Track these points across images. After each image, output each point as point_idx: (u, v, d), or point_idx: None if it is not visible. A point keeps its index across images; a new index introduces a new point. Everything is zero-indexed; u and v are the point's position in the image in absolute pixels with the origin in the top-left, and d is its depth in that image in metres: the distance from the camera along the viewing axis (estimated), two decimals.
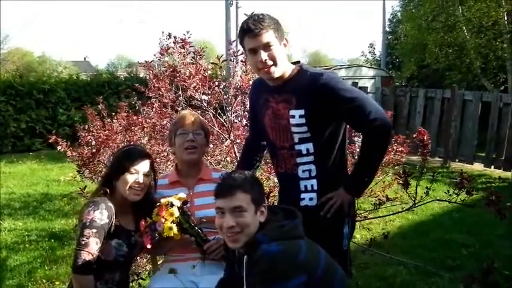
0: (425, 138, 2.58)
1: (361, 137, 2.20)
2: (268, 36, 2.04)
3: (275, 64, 2.08)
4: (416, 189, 2.76)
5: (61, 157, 9.65)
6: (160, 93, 4.40)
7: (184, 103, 4.38)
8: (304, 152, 2.17)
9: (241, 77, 3.11)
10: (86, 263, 2.06)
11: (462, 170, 3.43)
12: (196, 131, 2.43)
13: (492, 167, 8.53)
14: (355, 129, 2.22)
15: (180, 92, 4.02)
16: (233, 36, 11.82)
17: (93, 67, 45.48)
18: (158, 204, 2.19)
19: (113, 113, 4.91)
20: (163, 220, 2.15)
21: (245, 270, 1.80)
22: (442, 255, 4.35)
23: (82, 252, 2.05)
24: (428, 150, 2.72)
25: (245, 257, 1.81)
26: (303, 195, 2.19)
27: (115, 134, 3.25)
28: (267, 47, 2.05)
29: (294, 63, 2.22)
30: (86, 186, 3.11)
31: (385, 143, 2.18)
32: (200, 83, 2.89)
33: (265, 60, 2.06)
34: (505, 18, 10.43)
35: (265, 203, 1.89)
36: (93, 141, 3.18)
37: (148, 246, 2.18)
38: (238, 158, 2.72)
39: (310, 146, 2.16)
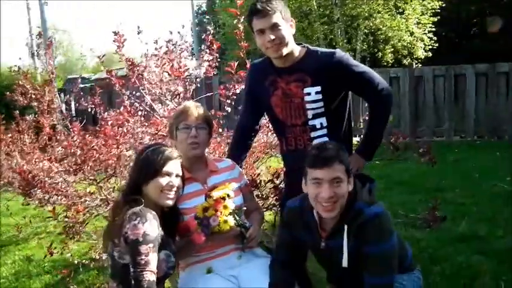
0: None
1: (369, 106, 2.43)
2: (275, 17, 2.19)
3: (283, 43, 2.22)
4: None
5: None
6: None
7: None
8: (318, 126, 2.34)
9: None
10: (152, 284, 1.80)
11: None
12: (200, 125, 2.27)
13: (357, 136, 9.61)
14: (364, 99, 2.47)
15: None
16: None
17: None
18: (212, 198, 2.06)
19: None
20: (219, 214, 2.03)
21: (345, 238, 1.90)
22: None
23: (145, 272, 1.79)
24: None
25: (345, 226, 1.90)
26: None
27: (113, 137, 2.75)
28: (274, 27, 2.19)
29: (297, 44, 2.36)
30: (54, 207, 2.65)
31: (390, 109, 2.45)
32: (176, 75, 2.78)
33: (273, 39, 2.19)
34: (315, 6, 11.96)
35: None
36: (78, 151, 2.67)
37: (200, 243, 2.05)
38: (231, 141, 2.73)
39: (323, 120, 2.34)
